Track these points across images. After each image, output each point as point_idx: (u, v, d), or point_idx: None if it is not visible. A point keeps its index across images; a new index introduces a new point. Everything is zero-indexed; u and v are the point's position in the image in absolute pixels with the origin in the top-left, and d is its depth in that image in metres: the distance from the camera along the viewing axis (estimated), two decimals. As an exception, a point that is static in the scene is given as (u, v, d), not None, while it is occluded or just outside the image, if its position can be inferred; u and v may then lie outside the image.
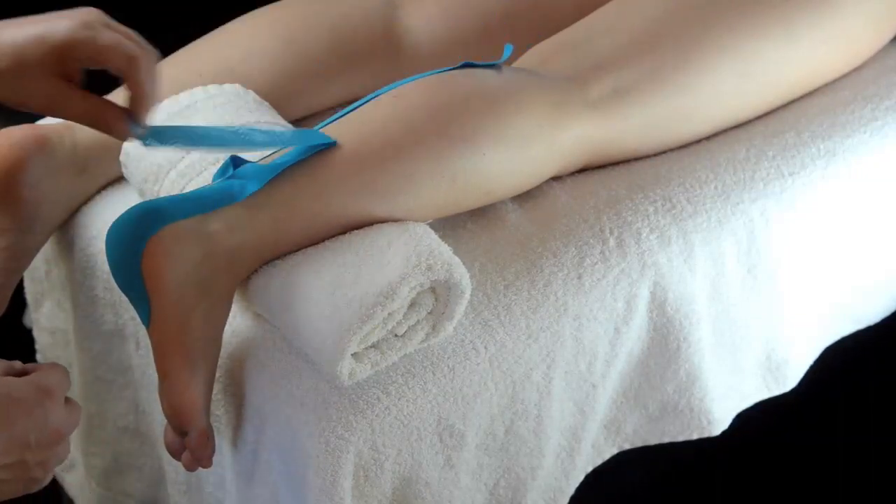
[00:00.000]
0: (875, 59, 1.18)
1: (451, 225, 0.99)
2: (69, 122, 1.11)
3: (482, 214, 1.01)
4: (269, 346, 0.93)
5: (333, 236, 0.90)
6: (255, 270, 0.91)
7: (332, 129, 0.94)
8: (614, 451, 1.08)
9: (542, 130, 0.96)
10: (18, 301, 1.27)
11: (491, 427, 0.95)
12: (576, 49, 1.03)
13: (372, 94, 0.98)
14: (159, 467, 1.15)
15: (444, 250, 0.86)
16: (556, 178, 1.04)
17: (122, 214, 0.88)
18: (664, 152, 1.07)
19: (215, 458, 0.92)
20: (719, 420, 1.10)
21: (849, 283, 1.14)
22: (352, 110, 0.97)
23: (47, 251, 1.22)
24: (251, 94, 1.08)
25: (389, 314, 0.85)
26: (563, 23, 1.10)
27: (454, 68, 1.00)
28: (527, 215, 1.01)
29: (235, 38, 1.14)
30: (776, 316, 1.09)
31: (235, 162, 0.95)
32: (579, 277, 0.96)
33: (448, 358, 0.91)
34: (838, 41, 1.11)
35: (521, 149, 0.95)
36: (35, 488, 0.77)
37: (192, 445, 0.89)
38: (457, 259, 0.87)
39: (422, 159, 0.91)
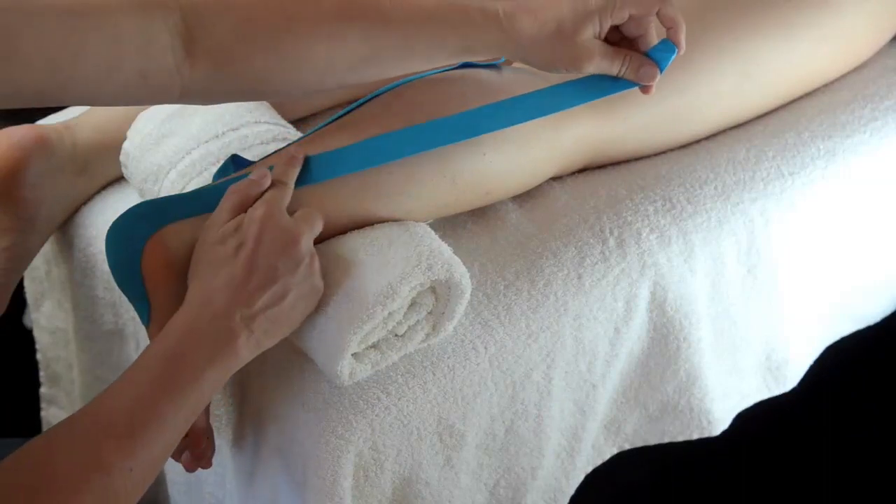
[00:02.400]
0: (875, 59, 1.18)
1: (451, 225, 0.99)
2: (69, 122, 1.12)
3: (482, 214, 1.01)
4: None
5: (334, 236, 0.90)
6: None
7: (335, 127, 0.94)
8: (614, 451, 1.08)
9: (542, 131, 0.96)
10: (18, 301, 1.27)
11: (491, 427, 0.95)
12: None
13: (372, 94, 0.98)
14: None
15: (444, 250, 0.86)
16: (556, 178, 1.04)
17: (122, 214, 0.88)
18: (664, 152, 1.07)
19: (215, 458, 0.92)
20: (719, 420, 1.10)
21: (849, 283, 1.14)
22: (352, 110, 0.97)
23: (47, 251, 1.22)
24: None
25: (390, 314, 0.85)
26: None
27: (454, 68, 1.00)
28: (527, 215, 1.01)
29: None
30: (776, 316, 1.09)
31: (236, 162, 0.95)
32: (579, 277, 0.96)
33: (448, 358, 0.91)
34: (838, 41, 1.11)
35: (521, 149, 0.95)
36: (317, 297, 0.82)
37: (191, 445, 0.89)
38: (457, 259, 0.87)
39: (422, 159, 0.91)
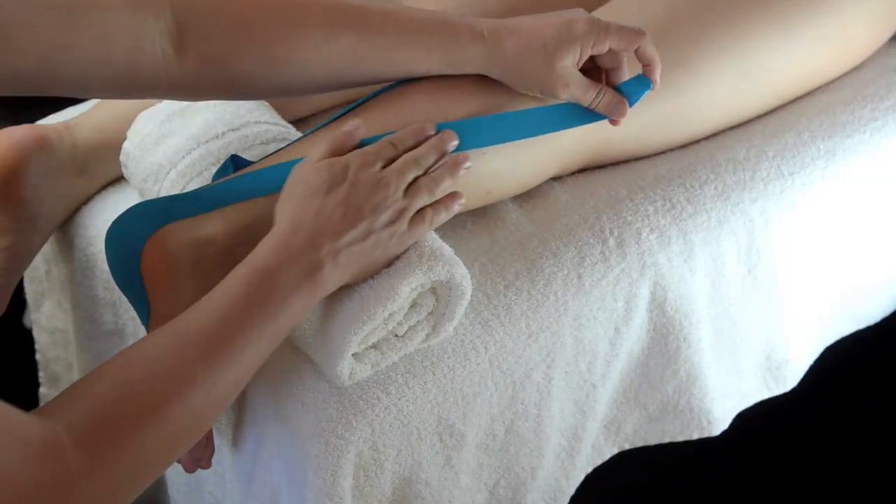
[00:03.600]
0: (875, 59, 1.18)
1: (451, 225, 0.99)
2: (69, 122, 1.12)
3: (482, 214, 1.01)
4: (269, 346, 0.93)
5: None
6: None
7: (334, 128, 0.94)
8: (614, 451, 1.08)
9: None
10: (18, 301, 1.27)
11: (491, 427, 0.95)
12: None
13: (371, 94, 0.98)
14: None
15: (445, 251, 0.86)
16: (556, 178, 1.04)
17: (122, 214, 0.88)
18: (664, 152, 1.07)
19: (215, 458, 0.92)
20: (719, 420, 1.10)
21: (849, 283, 1.14)
22: (352, 109, 0.97)
23: (47, 251, 1.22)
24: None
25: (390, 315, 0.85)
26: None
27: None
28: (527, 215, 1.01)
29: None
30: (776, 316, 1.09)
31: (235, 161, 0.95)
32: (579, 277, 0.96)
33: (448, 358, 0.91)
34: (837, 41, 1.11)
35: (521, 149, 0.95)
36: (411, 238, 0.84)
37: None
38: (458, 259, 0.87)
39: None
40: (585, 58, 0.90)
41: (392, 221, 0.82)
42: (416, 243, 0.85)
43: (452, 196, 0.86)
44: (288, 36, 0.86)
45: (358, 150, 0.85)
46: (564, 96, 0.91)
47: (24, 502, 0.66)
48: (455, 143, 0.87)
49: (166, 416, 0.72)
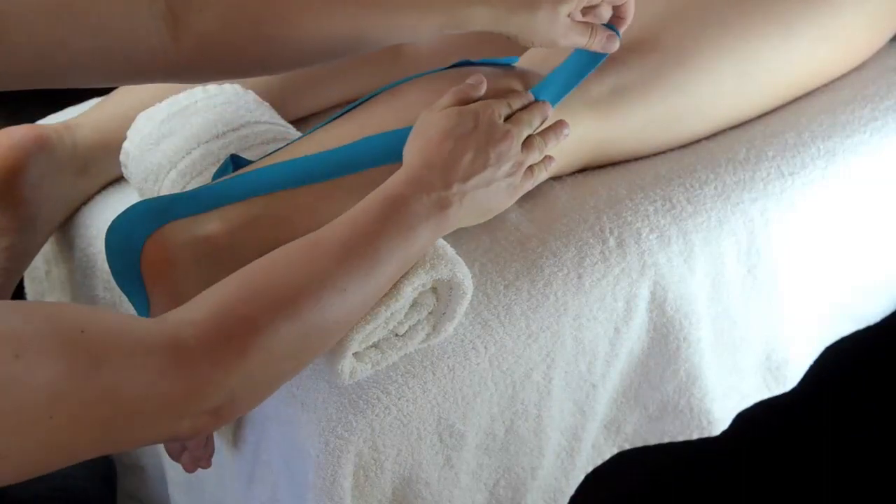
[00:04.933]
0: (875, 59, 1.18)
1: (451, 225, 0.99)
2: (69, 122, 1.12)
3: (482, 214, 1.01)
4: (269, 346, 0.93)
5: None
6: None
7: (334, 127, 0.94)
8: (614, 451, 1.08)
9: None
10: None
11: (491, 427, 0.95)
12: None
13: (371, 94, 0.98)
14: (161, 468, 1.15)
15: (447, 250, 0.87)
16: (556, 178, 1.04)
17: (122, 213, 0.88)
18: (664, 152, 1.07)
19: (216, 459, 0.92)
20: (719, 420, 1.10)
21: (849, 283, 1.14)
22: (352, 109, 0.97)
23: (47, 251, 1.22)
24: (251, 94, 1.08)
25: (391, 314, 0.85)
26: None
27: (453, 66, 1.00)
28: (527, 215, 1.01)
29: None
30: (776, 316, 1.09)
31: (235, 161, 0.95)
32: (579, 277, 0.96)
33: (448, 358, 0.91)
34: (837, 41, 1.11)
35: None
36: (521, 190, 0.89)
37: (191, 445, 0.89)
38: (460, 259, 0.87)
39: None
40: (583, 5, 0.92)
41: (511, 173, 0.87)
42: None
43: (550, 158, 0.92)
44: (284, 13, 0.88)
45: (482, 102, 0.88)
46: (564, 43, 0.94)
47: (153, 400, 0.66)
48: (550, 112, 0.92)
49: (299, 309, 0.74)
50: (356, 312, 0.79)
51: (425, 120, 0.87)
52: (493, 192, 0.86)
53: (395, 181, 0.83)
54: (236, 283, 0.74)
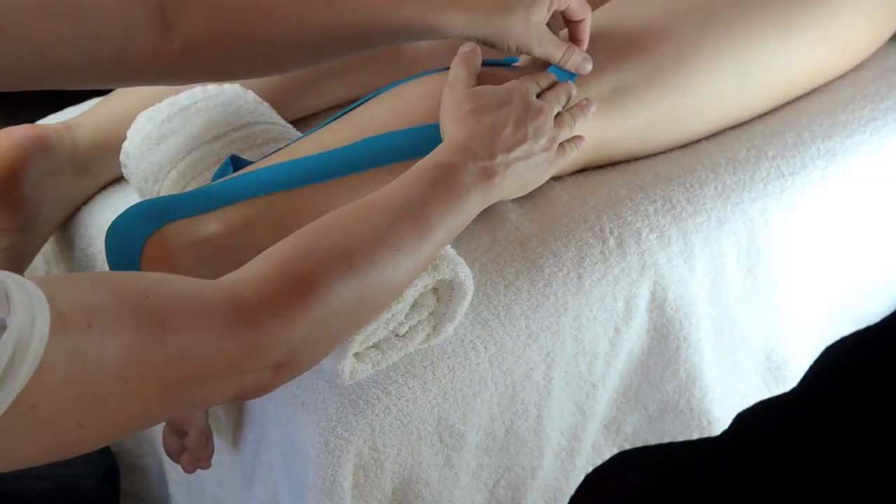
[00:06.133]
0: (875, 58, 1.18)
1: (450, 225, 0.99)
2: (69, 122, 1.12)
3: (482, 214, 1.00)
4: (269, 346, 0.93)
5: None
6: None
7: (334, 128, 0.94)
8: (614, 451, 1.08)
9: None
10: (18, 301, 1.27)
11: (491, 427, 0.95)
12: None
13: (371, 94, 0.98)
14: (161, 468, 1.15)
15: (448, 250, 0.87)
16: (556, 178, 1.04)
17: (122, 213, 0.88)
18: (664, 152, 1.07)
19: (215, 459, 0.92)
20: (719, 420, 1.10)
21: (849, 283, 1.14)
22: (352, 109, 0.97)
23: (47, 251, 1.22)
24: (251, 94, 1.08)
25: (392, 314, 0.85)
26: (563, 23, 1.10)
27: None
28: (527, 215, 1.01)
29: None
30: (776, 316, 1.09)
31: (235, 162, 0.95)
32: (579, 277, 0.96)
33: (448, 358, 0.91)
34: (837, 41, 1.11)
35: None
36: (555, 167, 0.93)
37: (190, 446, 0.89)
38: (461, 259, 0.87)
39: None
40: (553, 11, 0.94)
41: (546, 147, 0.90)
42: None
43: (580, 137, 0.95)
44: (270, 10, 0.89)
45: (515, 80, 0.92)
46: (539, 51, 0.95)
47: (218, 360, 0.67)
48: (575, 92, 0.95)
49: (355, 267, 0.74)
50: (409, 275, 0.80)
51: (455, 97, 0.89)
52: (532, 165, 0.88)
53: (442, 150, 0.85)
54: (291, 243, 0.75)
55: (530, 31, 0.94)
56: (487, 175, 0.84)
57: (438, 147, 0.86)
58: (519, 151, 0.87)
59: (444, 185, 0.81)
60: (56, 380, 0.58)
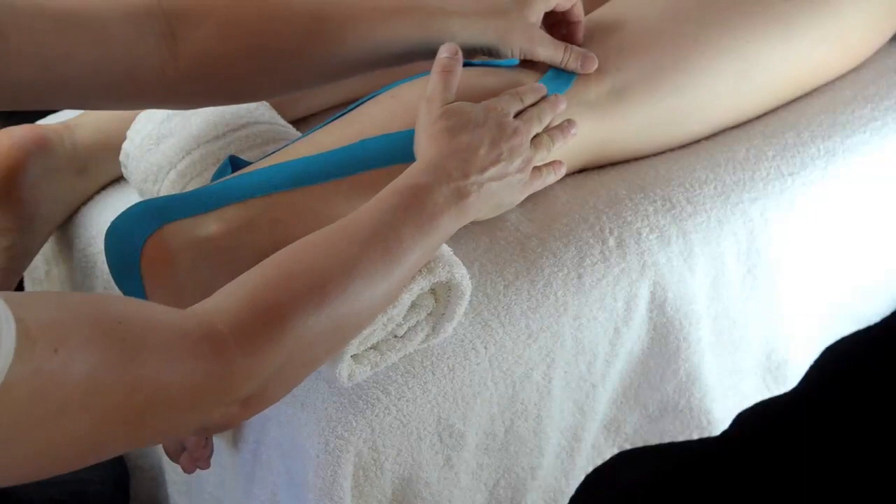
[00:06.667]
0: (875, 59, 1.18)
1: (450, 225, 0.99)
2: (69, 122, 1.12)
3: (482, 214, 1.01)
4: (268, 346, 0.93)
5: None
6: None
7: (333, 129, 0.94)
8: (614, 451, 1.08)
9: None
10: (18, 301, 1.27)
11: (491, 427, 0.95)
12: (575, 49, 1.03)
13: (370, 95, 0.98)
14: (160, 468, 1.15)
15: (444, 251, 0.87)
16: (556, 178, 1.04)
17: (121, 213, 0.88)
18: (664, 152, 1.07)
19: (215, 459, 0.92)
20: (719, 420, 1.10)
21: (849, 283, 1.14)
22: (351, 110, 0.97)
23: (47, 251, 1.22)
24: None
25: (389, 317, 0.85)
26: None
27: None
28: (527, 215, 1.01)
29: None
30: (776, 316, 1.09)
31: (234, 162, 0.95)
32: (579, 277, 0.96)
33: (448, 358, 0.91)
34: (836, 41, 1.11)
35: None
36: (530, 188, 0.91)
37: (190, 446, 0.89)
38: (457, 260, 0.87)
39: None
40: (547, 9, 0.96)
41: (521, 169, 0.88)
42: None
43: (559, 163, 0.93)
44: (277, 28, 0.89)
45: (493, 98, 0.90)
46: (542, 52, 0.96)
47: (187, 391, 0.67)
48: (563, 107, 0.93)
49: (327, 297, 0.74)
50: (383, 301, 0.80)
51: (431, 113, 0.87)
52: (506, 185, 0.87)
53: (414, 170, 0.83)
54: (264, 272, 0.75)
55: (531, 33, 0.93)
56: (461, 196, 0.83)
57: (412, 166, 0.84)
58: (493, 172, 0.85)
59: (417, 207, 0.80)
60: (18, 400, 0.57)
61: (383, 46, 0.92)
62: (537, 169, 0.91)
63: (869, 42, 1.15)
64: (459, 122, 0.86)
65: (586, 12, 1.11)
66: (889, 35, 1.17)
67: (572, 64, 0.97)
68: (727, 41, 1.04)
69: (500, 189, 0.86)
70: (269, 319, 0.71)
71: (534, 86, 0.93)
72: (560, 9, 0.97)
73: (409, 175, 0.83)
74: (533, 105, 0.92)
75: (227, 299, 0.72)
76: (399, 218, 0.79)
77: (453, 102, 0.88)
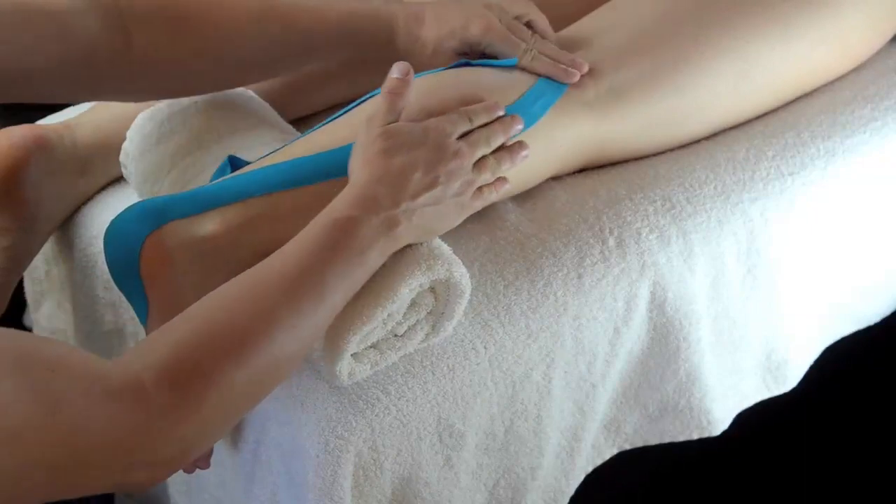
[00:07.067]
0: (875, 59, 1.18)
1: (450, 224, 0.99)
2: (69, 122, 1.12)
3: (482, 215, 1.01)
4: (268, 346, 0.93)
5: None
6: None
7: (332, 128, 0.94)
8: (614, 451, 1.08)
9: (539, 130, 0.96)
10: (18, 301, 1.27)
11: (491, 427, 0.95)
12: (574, 49, 1.03)
13: (369, 94, 0.98)
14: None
15: (443, 250, 0.86)
16: (556, 178, 1.04)
17: (121, 213, 0.88)
18: (664, 152, 1.07)
19: (215, 459, 0.92)
20: (719, 420, 1.10)
21: (849, 283, 1.14)
22: (350, 110, 0.97)
23: (47, 251, 1.22)
24: (251, 94, 1.08)
25: (389, 315, 0.85)
26: (564, 23, 1.10)
27: (451, 67, 1.00)
28: (527, 215, 1.01)
29: None
30: (776, 316, 1.09)
31: (233, 162, 0.95)
32: (579, 277, 0.96)
33: (448, 358, 0.91)
34: (836, 42, 1.11)
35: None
36: (469, 210, 0.87)
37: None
38: (456, 258, 0.87)
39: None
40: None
41: (459, 192, 0.85)
42: (414, 243, 0.86)
43: (502, 180, 0.90)
44: (225, 26, 0.91)
45: (438, 118, 0.87)
46: (500, 44, 0.99)
47: (109, 446, 0.66)
48: (519, 129, 0.90)
49: (249, 354, 0.73)
50: (307, 344, 0.79)
51: (371, 133, 0.85)
52: (441, 210, 0.84)
53: (343, 201, 0.81)
54: (187, 328, 0.73)
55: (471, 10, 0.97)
56: (390, 226, 0.81)
57: (340, 195, 0.82)
58: (427, 197, 0.83)
59: (344, 244, 0.78)
60: None
61: (318, 58, 0.96)
62: (479, 189, 0.88)
63: (869, 42, 1.15)
64: (396, 143, 0.83)
65: (586, 12, 1.11)
66: (889, 35, 1.17)
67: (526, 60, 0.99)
68: (727, 41, 1.04)
69: (435, 214, 0.84)
70: (191, 384, 0.70)
71: (487, 104, 0.89)
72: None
73: (338, 206, 0.81)
74: (485, 125, 0.88)
75: (152, 353, 0.71)
76: (325, 260, 0.78)
77: (394, 123, 0.85)
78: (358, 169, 0.84)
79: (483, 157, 0.87)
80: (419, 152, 0.83)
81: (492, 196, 0.88)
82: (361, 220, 0.79)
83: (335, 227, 0.79)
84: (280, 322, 0.74)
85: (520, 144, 0.90)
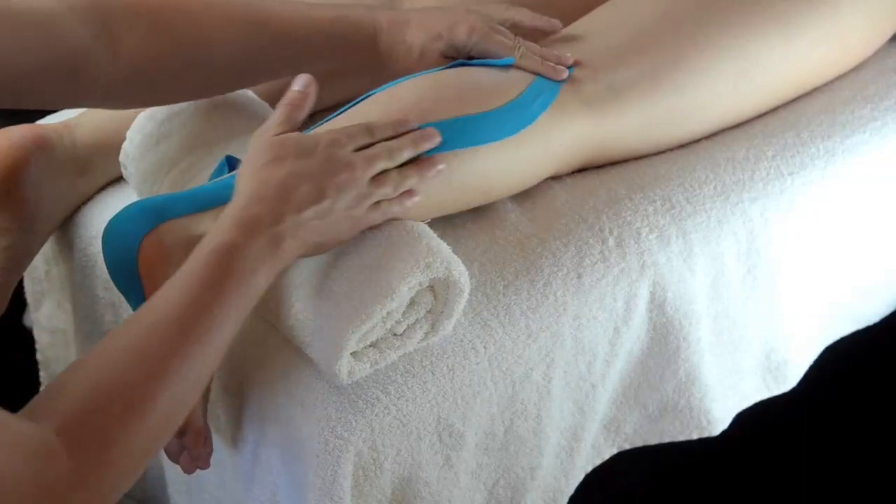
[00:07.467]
0: (875, 59, 1.18)
1: (450, 225, 0.99)
2: (69, 122, 1.12)
3: (482, 214, 1.01)
4: (268, 346, 0.93)
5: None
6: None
7: (329, 128, 0.94)
8: (614, 451, 1.08)
9: (537, 129, 0.96)
10: (18, 301, 1.27)
11: (490, 427, 0.95)
12: (572, 48, 1.03)
13: (367, 94, 0.98)
14: (160, 468, 1.15)
15: (442, 248, 0.86)
16: (556, 178, 1.04)
17: (119, 212, 0.88)
18: (663, 152, 1.07)
19: (215, 459, 0.92)
20: (719, 420, 1.10)
21: (849, 283, 1.14)
22: (348, 109, 0.97)
23: (47, 251, 1.22)
24: (251, 94, 1.08)
25: (388, 313, 0.85)
26: (564, 23, 1.09)
27: (448, 67, 1.00)
28: (526, 215, 1.01)
29: None
30: (776, 316, 1.09)
31: (231, 162, 0.95)
32: (579, 277, 0.96)
33: (447, 357, 0.91)
34: (836, 41, 1.11)
35: (517, 147, 0.95)
36: (364, 224, 0.85)
37: (189, 445, 0.89)
38: (456, 257, 0.87)
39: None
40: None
41: (352, 206, 0.83)
42: (412, 242, 0.85)
43: (409, 193, 0.87)
44: (208, 35, 0.91)
45: (332, 129, 0.85)
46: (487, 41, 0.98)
47: (21, 497, 0.66)
48: (432, 143, 0.88)
49: (148, 409, 0.72)
50: (203, 382, 0.78)
51: (260, 143, 0.83)
52: (330, 224, 0.82)
53: (224, 226, 0.79)
54: (86, 386, 0.72)
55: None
56: (275, 244, 0.78)
57: (223, 215, 0.80)
58: (313, 211, 0.80)
59: (227, 275, 0.76)
60: None
61: (306, 63, 0.95)
62: (377, 204, 0.85)
63: (868, 42, 1.15)
64: (282, 154, 0.81)
65: (586, 12, 1.11)
66: (889, 35, 1.17)
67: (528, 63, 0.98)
68: (727, 41, 1.04)
69: (324, 227, 0.82)
70: (90, 447, 0.70)
71: (395, 120, 0.88)
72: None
73: (219, 232, 0.78)
74: (390, 139, 0.86)
75: (59, 411, 0.70)
76: (212, 296, 0.76)
77: (285, 133, 0.84)
78: (241, 184, 0.82)
79: (384, 172, 0.85)
80: (307, 163, 0.81)
81: (393, 209, 0.86)
82: (243, 245, 0.77)
83: (217, 257, 0.77)
84: (172, 373, 0.73)
85: (432, 159, 0.87)
